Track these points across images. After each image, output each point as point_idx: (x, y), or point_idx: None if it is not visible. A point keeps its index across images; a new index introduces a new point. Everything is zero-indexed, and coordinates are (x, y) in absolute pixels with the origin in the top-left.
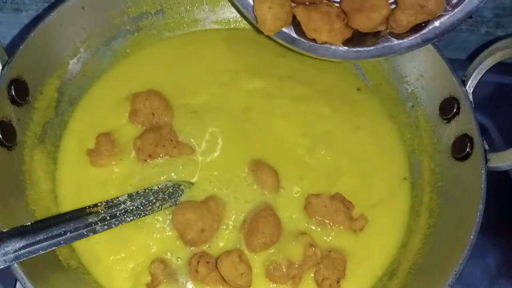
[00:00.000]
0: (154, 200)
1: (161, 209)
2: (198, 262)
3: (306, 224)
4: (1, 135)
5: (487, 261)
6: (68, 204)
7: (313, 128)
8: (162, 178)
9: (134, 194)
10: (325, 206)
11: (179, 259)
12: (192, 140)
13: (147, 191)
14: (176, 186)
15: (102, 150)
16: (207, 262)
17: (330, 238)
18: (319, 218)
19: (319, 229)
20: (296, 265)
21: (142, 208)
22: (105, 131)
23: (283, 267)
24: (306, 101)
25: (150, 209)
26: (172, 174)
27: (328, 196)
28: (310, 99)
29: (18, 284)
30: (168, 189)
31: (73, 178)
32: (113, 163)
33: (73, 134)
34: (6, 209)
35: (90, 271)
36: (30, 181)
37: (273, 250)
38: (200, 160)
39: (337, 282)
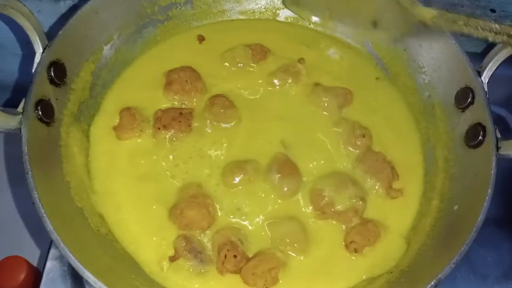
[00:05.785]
0: None
1: None
2: (226, 256)
3: (351, 167)
4: (41, 112)
5: (502, 252)
6: (100, 177)
7: None
8: (186, 151)
9: None
10: (376, 160)
11: (208, 243)
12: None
13: None
14: None
15: (125, 124)
16: (235, 256)
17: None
18: (364, 168)
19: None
20: (332, 210)
21: None
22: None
23: (325, 198)
24: (323, 87)
25: None
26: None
27: (383, 156)
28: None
29: (52, 246)
30: None
31: (104, 153)
32: (136, 135)
33: (105, 114)
34: (44, 180)
35: (118, 239)
36: (66, 156)
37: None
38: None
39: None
